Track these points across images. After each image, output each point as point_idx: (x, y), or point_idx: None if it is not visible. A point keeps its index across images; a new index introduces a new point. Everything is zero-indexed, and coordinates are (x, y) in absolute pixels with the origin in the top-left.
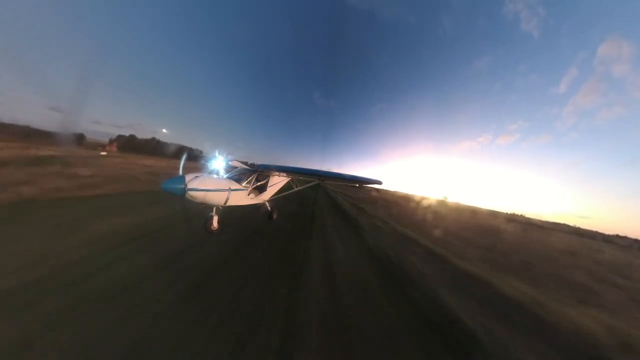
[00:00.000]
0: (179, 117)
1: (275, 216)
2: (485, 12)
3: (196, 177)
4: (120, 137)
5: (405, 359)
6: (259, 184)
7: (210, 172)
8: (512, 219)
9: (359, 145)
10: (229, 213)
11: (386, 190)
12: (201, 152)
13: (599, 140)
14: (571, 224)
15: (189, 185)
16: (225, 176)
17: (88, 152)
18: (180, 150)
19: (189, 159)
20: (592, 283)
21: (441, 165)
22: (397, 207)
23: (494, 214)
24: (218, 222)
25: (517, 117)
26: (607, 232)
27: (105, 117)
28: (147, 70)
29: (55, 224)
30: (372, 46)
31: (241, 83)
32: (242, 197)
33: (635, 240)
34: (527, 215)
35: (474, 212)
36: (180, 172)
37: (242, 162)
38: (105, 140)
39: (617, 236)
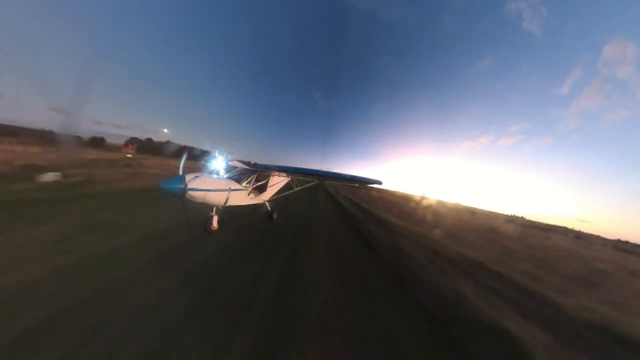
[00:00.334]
0: (180, 118)
1: (275, 216)
2: (487, 12)
3: (196, 177)
4: (133, 139)
5: None
6: (259, 184)
7: (211, 172)
8: (512, 220)
9: (360, 145)
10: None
11: (386, 190)
12: (209, 152)
13: (601, 143)
14: (574, 227)
15: (189, 185)
16: (225, 176)
17: (119, 154)
18: (196, 153)
19: (189, 158)
20: None
21: (442, 166)
22: (390, 204)
23: (493, 216)
24: (218, 222)
25: (519, 118)
26: (608, 237)
27: (106, 117)
28: (148, 70)
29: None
30: (373, 46)
31: (242, 83)
32: (242, 197)
33: None
34: (526, 218)
35: (472, 213)
36: (181, 172)
37: (244, 162)
38: (107, 141)
39: (619, 241)
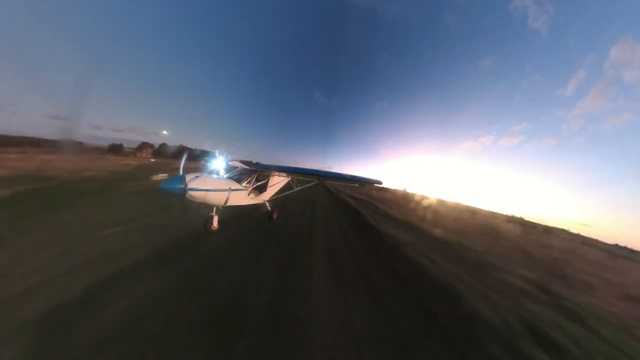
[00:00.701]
0: (180, 118)
1: (275, 216)
2: (491, 9)
3: (196, 177)
4: (145, 143)
5: None
6: (259, 184)
7: (211, 172)
8: (512, 220)
9: (360, 144)
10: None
11: (387, 189)
12: (213, 152)
13: (605, 147)
14: (574, 231)
15: (189, 185)
16: (225, 176)
17: (139, 159)
18: (196, 153)
19: (191, 158)
20: None
21: (443, 165)
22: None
23: (493, 216)
24: (218, 222)
25: (521, 119)
26: (608, 242)
27: (105, 121)
28: (147, 72)
29: None
30: (374, 45)
31: (242, 83)
32: (242, 197)
33: None
34: (526, 219)
35: (472, 213)
36: (181, 172)
37: (244, 162)
38: (102, 145)
39: (617, 246)
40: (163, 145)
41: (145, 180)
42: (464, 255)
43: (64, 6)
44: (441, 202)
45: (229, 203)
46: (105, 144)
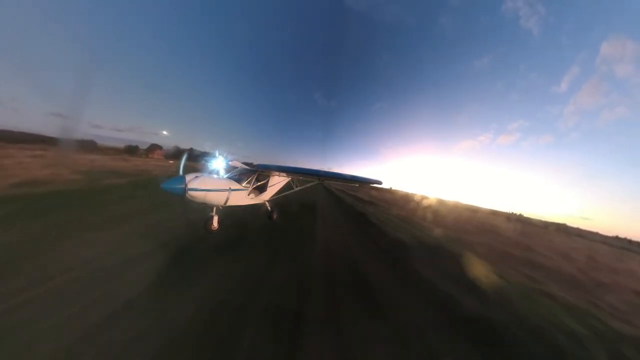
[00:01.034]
0: (180, 118)
1: (275, 216)
2: (484, 11)
3: (196, 177)
4: (155, 145)
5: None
6: (259, 184)
7: (211, 172)
8: (517, 218)
9: (360, 145)
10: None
11: (387, 189)
12: (216, 153)
13: (601, 141)
14: (574, 225)
15: (189, 185)
16: (225, 176)
17: (159, 161)
18: (196, 154)
19: (192, 159)
20: None
21: (442, 165)
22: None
23: (495, 214)
24: (218, 222)
25: (518, 117)
26: (607, 234)
27: (105, 120)
28: (147, 72)
29: None
30: (372, 46)
31: (242, 84)
32: (242, 197)
33: None
34: (526, 215)
35: (473, 211)
36: (181, 172)
37: (246, 164)
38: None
39: (617, 237)
40: (175, 147)
41: None
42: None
43: (65, 5)
44: (438, 201)
45: (229, 203)
46: (105, 142)
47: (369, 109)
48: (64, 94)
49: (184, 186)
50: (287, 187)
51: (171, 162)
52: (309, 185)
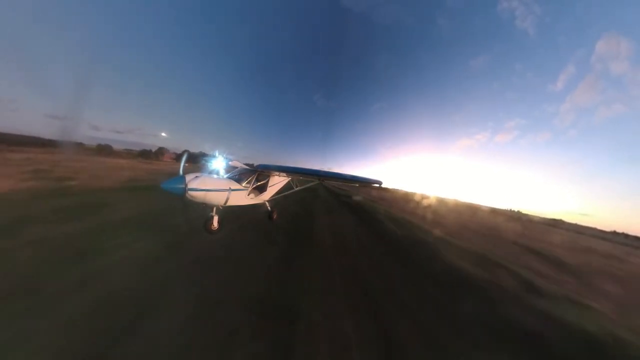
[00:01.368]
0: (179, 119)
1: (275, 216)
2: (480, 11)
3: (196, 177)
4: (162, 148)
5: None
6: (259, 184)
7: (211, 172)
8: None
9: (360, 145)
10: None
11: (386, 189)
12: (219, 154)
13: (598, 138)
14: (572, 221)
15: (189, 185)
16: (225, 176)
17: (172, 163)
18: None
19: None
20: None
21: (440, 163)
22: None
23: (494, 211)
24: (218, 222)
25: (515, 115)
26: (606, 230)
27: (104, 122)
28: (147, 73)
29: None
30: (371, 47)
31: (242, 85)
32: (242, 197)
33: None
34: (523, 212)
35: (473, 210)
36: (181, 172)
37: (246, 164)
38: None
39: (615, 232)
40: (185, 151)
41: None
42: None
43: (61, 7)
44: (436, 200)
45: (229, 203)
46: (101, 144)
47: (368, 109)
48: (62, 96)
49: (183, 186)
50: (287, 187)
51: (187, 165)
52: (309, 185)
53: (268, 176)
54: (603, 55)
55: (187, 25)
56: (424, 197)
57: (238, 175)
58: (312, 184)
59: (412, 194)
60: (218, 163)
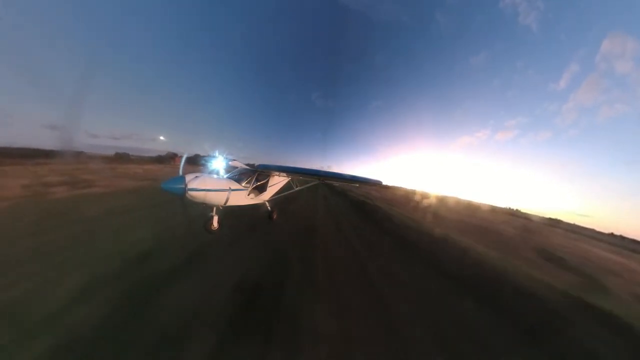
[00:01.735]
0: (177, 122)
1: (275, 216)
2: (481, 8)
3: (196, 177)
4: (172, 153)
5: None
6: (259, 184)
7: (211, 172)
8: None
9: (359, 143)
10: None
11: (386, 186)
12: (217, 153)
13: (600, 138)
14: (571, 221)
15: (189, 185)
16: (225, 176)
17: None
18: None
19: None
20: None
21: (440, 161)
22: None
23: (493, 210)
24: (218, 222)
25: (516, 113)
26: (605, 231)
27: (101, 129)
28: (142, 76)
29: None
30: (369, 46)
31: (240, 85)
32: (242, 197)
33: None
34: (522, 211)
35: (474, 209)
36: (181, 172)
37: (247, 165)
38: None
39: (612, 234)
40: (197, 155)
41: None
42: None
43: (53, 12)
44: (436, 198)
45: (229, 203)
46: (103, 151)
47: (367, 108)
48: (57, 105)
49: (183, 186)
50: (287, 187)
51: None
52: (309, 185)
53: (268, 176)
54: (608, 54)
55: (183, 27)
56: (423, 195)
57: (238, 175)
58: (312, 183)
59: (411, 192)
60: (218, 163)
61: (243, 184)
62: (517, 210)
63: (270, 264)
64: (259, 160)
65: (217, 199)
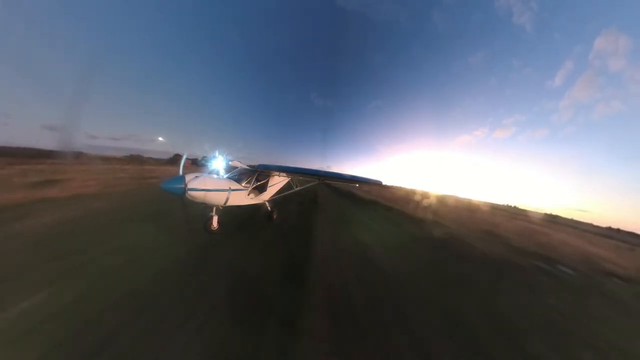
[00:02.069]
0: (176, 123)
1: (275, 216)
2: (478, 8)
3: (196, 177)
4: (177, 154)
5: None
6: (259, 184)
7: (211, 172)
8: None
9: (358, 143)
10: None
11: (386, 186)
12: (217, 153)
13: (597, 135)
14: (570, 217)
15: (189, 185)
16: (225, 176)
17: (193, 168)
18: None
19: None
20: None
21: (439, 159)
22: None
23: (494, 207)
24: (218, 222)
25: (513, 111)
26: (602, 225)
27: (100, 130)
28: (141, 76)
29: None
30: (366, 45)
31: (239, 85)
32: (242, 197)
33: None
34: (519, 207)
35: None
36: (181, 172)
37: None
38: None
39: (609, 228)
40: (204, 157)
41: None
42: None
43: (50, 13)
44: (435, 196)
45: (229, 203)
46: (102, 152)
47: (366, 107)
48: (57, 105)
49: (183, 186)
50: (287, 187)
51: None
52: (309, 185)
53: (268, 176)
54: (601, 51)
55: (182, 27)
56: (422, 195)
57: (238, 175)
58: (312, 183)
59: (410, 192)
60: (218, 163)
61: (243, 184)
62: (514, 207)
63: None
64: (259, 160)
65: (217, 199)
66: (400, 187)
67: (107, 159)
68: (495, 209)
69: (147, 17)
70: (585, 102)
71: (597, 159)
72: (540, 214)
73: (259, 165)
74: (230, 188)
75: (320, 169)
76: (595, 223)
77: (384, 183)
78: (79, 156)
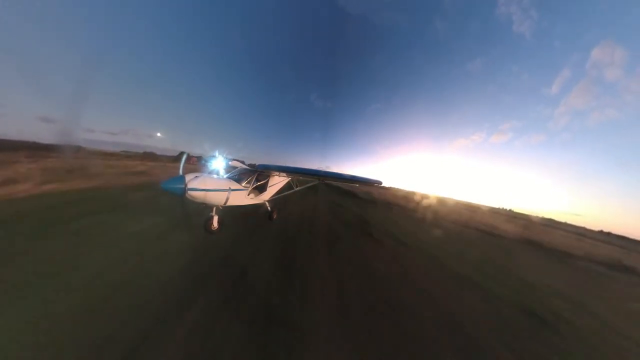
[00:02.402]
0: (176, 120)
1: (275, 216)
2: (478, 16)
3: (196, 177)
4: (182, 152)
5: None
6: (259, 184)
7: (211, 172)
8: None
9: (358, 144)
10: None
11: (385, 189)
12: (217, 152)
13: (592, 141)
14: (563, 220)
15: (189, 185)
16: (225, 176)
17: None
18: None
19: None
20: None
21: (437, 163)
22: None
23: (493, 211)
24: (218, 222)
25: (510, 117)
26: (596, 229)
27: (97, 124)
28: (141, 74)
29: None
30: (367, 49)
31: (240, 85)
32: (242, 197)
33: None
34: (514, 211)
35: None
36: (181, 172)
37: (249, 166)
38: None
39: (601, 232)
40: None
41: None
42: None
43: (52, 7)
44: (431, 198)
45: (229, 203)
46: (99, 146)
47: (366, 110)
48: (55, 97)
49: (183, 186)
50: (287, 187)
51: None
52: (309, 185)
53: (268, 176)
54: (598, 61)
55: (182, 26)
56: (422, 196)
57: (238, 175)
58: (312, 183)
59: (410, 194)
60: (218, 163)
61: (243, 184)
62: (509, 210)
63: None
64: (259, 160)
65: (217, 198)
66: (398, 189)
67: (128, 156)
68: (490, 211)
69: (148, 18)
70: (581, 110)
71: (592, 165)
72: (528, 215)
73: (259, 165)
74: (230, 188)
75: (320, 170)
76: (588, 227)
77: (383, 184)
78: (78, 150)
